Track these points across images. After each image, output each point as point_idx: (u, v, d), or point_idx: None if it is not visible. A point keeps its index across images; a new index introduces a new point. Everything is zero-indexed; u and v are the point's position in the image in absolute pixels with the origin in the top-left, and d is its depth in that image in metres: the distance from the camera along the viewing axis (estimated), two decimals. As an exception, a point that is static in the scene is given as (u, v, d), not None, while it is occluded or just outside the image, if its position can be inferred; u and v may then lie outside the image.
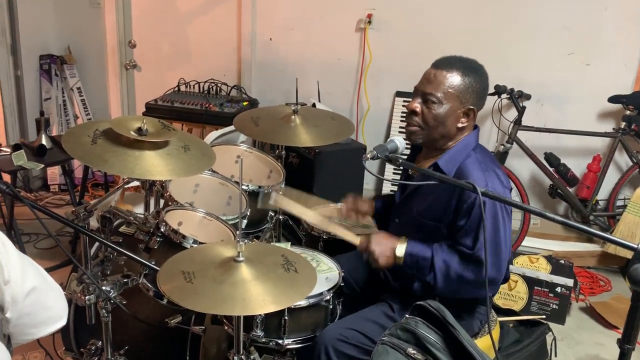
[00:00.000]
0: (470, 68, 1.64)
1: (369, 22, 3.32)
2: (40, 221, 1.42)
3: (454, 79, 1.62)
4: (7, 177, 2.77)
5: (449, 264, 1.60)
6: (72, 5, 3.94)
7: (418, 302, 1.44)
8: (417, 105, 1.67)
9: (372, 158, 1.46)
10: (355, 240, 1.74)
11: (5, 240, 0.97)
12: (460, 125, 1.66)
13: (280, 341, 1.66)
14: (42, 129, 2.86)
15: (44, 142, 2.79)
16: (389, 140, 1.52)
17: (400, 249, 1.66)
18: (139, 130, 1.52)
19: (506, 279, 1.76)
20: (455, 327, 1.35)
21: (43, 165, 2.78)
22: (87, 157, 1.51)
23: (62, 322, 1.11)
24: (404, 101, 3.39)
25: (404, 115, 3.34)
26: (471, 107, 1.65)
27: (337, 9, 3.41)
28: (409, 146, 1.82)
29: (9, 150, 2.77)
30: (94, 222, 1.76)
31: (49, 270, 3.01)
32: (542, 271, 2.72)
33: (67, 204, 3.72)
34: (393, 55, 3.37)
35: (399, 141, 1.54)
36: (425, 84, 1.65)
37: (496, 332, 1.95)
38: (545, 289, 2.69)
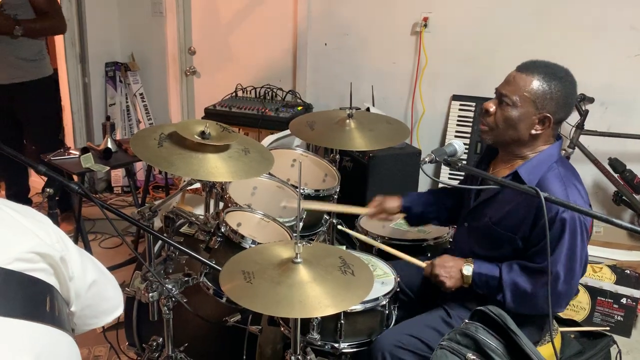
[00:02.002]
0: (553, 75, 1.58)
1: (425, 26, 3.29)
2: (110, 221, 1.49)
3: (533, 83, 1.57)
4: (75, 179, 2.92)
5: (517, 281, 1.58)
6: (136, 15, 4.12)
7: (478, 308, 1.42)
8: (491, 105, 1.64)
9: (431, 162, 1.45)
10: (420, 263, 1.75)
11: (65, 238, 1.02)
12: (534, 132, 1.61)
13: (335, 345, 1.67)
14: (107, 133, 3.00)
15: (109, 145, 2.91)
16: (447, 143, 1.51)
17: (468, 269, 1.65)
18: (202, 134, 1.57)
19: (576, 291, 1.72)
20: (517, 334, 1.32)
21: (108, 168, 2.89)
22: (155, 159, 1.57)
23: (120, 311, 1.16)
24: (461, 105, 3.33)
25: (461, 119, 3.32)
26: (548, 114, 1.58)
27: (392, 13, 3.40)
28: (467, 150, 1.80)
29: (77, 153, 2.91)
30: (157, 222, 1.83)
31: (112, 268, 3.17)
32: (606, 281, 2.61)
33: (129, 205, 3.88)
34: (449, 58, 3.33)
35: (458, 145, 1.53)
36: (503, 85, 1.63)
37: (557, 342, 1.89)
38: (610, 300, 2.58)
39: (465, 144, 1.57)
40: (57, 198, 1.55)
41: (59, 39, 3.82)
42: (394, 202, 2.02)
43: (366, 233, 2.22)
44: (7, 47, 3.06)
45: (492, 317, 1.35)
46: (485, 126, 1.66)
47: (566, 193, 1.54)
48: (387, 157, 2.95)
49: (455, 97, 3.36)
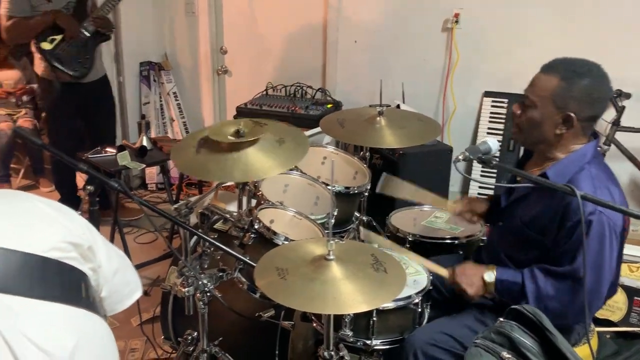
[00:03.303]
0: (573, 72, 1.54)
1: (456, 22, 3.27)
2: (148, 217, 1.54)
3: (550, 82, 1.55)
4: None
5: (540, 286, 1.56)
6: (169, 15, 4.20)
7: (513, 306, 1.41)
8: (517, 107, 1.64)
9: (464, 160, 1.45)
10: (442, 272, 1.75)
11: (91, 228, 1.09)
12: (558, 132, 1.58)
13: (368, 341, 1.69)
14: (142, 132, 3.07)
15: (144, 143, 2.99)
16: (481, 141, 1.50)
17: (490, 276, 1.64)
18: (237, 133, 1.60)
19: (613, 294, 1.67)
20: (553, 333, 1.31)
21: (144, 165, 2.97)
22: (193, 168, 1.63)
23: (139, 293, 1.23)
24: (493, 101, 3.29)
25: (493, 115, 3.28)
26: (570, 113, 1.54)
27: (423, 9, 3.38)
28: (500, 148, 1.79)
29: (114, 151, 2.99)
30: (192, 219, 1.88)
31: (148, 263, 3.24)
32: (644, 281, 2.55)
33: (163, 201, 3.96)
34: (481, 54, 3.29)
35: (492, 142, 1.51)
36: (527, 87, 1.62)
37: (594, 343, 1.86)
38: (647, 300, 2.51)
39: (498, 141, 1.55)
40: (97, 196, 1.61)
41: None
42: (482, 204, 1.99)
43: (397, 230, 2.22)
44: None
45: (527, 316, 1.34)
46: (515, 128, 1.67)
47: (595, 195, 1.50)
48: (417, 155, 2.94)
49: (487, 94, 3.32)
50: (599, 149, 2.87)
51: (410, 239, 2.15)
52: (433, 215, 2.36)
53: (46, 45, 3.11)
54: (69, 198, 3.53)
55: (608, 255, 1.50)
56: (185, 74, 4.31)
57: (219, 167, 1.59)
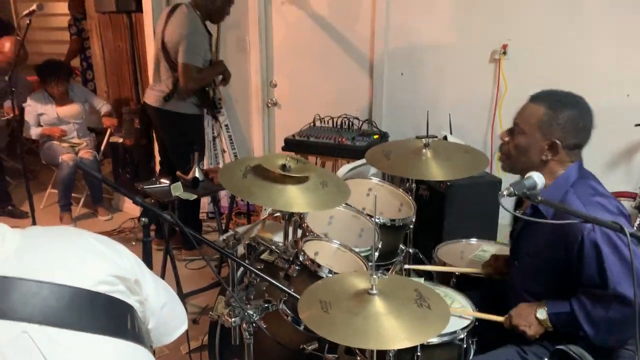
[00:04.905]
0: (560, 102, 1.64)
1: (504, 53, 3.25)
2: (198, 248, 1.59)
3: (538, 111, 1.65)
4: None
5: (590, 311, 1.53)
6: (222, 50, 4.36)
7: (558, 347, 1.38)
8: (505, 134, 1.75)
9: (509, 195, 1.43)
10: (497, 318, 1.73)
11: (140, 263, 1.15)
12: (544, 158, 1.65)
13: (412, 376, 1.67)
14: (195, 163, 3.19)
15: (197, 175, 3.09)
16: (527, 176, 1.48)
17: (542, 313, 1.63)
18: (283, 167, 1.66)
19: None
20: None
21: (196, 196, 3.07)
22: (238, 189, 1.69)
23: (185, 327, 1.28)
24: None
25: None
26: (555, 140, 1.62)
27: (469, 41, 3.39)
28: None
29: (167, 182, 3.11)
30: (240, 249, 1.93)
31: (197, 291, 3.30)
32: None
33: (213, 230, 4.06)
34: (530, 85, 3.18)
35: (538, 177, 1.49)
36: (516, 115, 1.72)
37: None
38: None
39: (545, 175, 1.55)
40: (152, 228, 1.68)
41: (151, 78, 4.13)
42: (506, 260, 2.00)
43: (443, 264, 2.20)
44: None
45: (573, 357, 1.30)
46: (503, 155, 1.76)
47: (587, 212, 1.50)
48: (465, 186, 2.91)
49: (537, 125, 3.27)
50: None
51: (457, 273, 2.13)
52: (480, 249, 2.33)
53: (210, 92, 3.58)
54: None
55: (633, 258, 1.44)
56: (237, 106, 4.46)
57: (263, 193, 1.65)
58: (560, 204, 1.55)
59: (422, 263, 2.49)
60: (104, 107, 4.62)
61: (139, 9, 4.25)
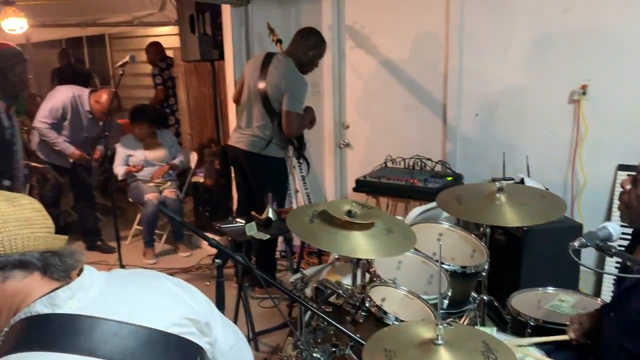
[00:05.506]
0: None
1: (584, 94, 3.14)
2: (267, 290, 1.65)
3: None
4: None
5: None
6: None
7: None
8: (627, 182, 1.57)
9: (581, 246, 1.38)
10: None
11: (212, 306, 1.21)
12: None
13: None
14: (269, 204, 3.29)
15: (270, 215, 3.19)
16: (601, 226, 1.42)
17: None
18: (349, 213, 1.69)
19: None
20: None
21: (269, 236, 3.16)
22: (304, 233, 1.74)
23: None
24: (628, 175, 3.06)
25: (629, 191, 3.04)
26: None
27: (547, 82, 3.31)
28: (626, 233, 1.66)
29: (242, 222, 3.23)
30: (308, 291, 1.96)
31: (268, 331, 3.34)
32: None
33: (285, 269, 4.14)
34: (612, 126, 3.11)
35: (613, 228, 1.42)
36: None
37: None
38: None
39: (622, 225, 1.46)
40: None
41: (231, 121, 4.35)
42: (587, 321, 1.84)
43: (518, 314, 2.11)
44: None
45: None
46: (622, 205, 1.57)
47: None
48: (543, 231, 2.79)
49: (622, 167, 3.11)
50: None
51: (532, 323, 2.04)
52: (558, 299, 2.22)
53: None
54: None
55: None
56: (310, 148, 4.57)
57: (328, 238, 1.68)
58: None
59: (498, 311, 2.41)
60: (177, 159, 4.90)
61: (221, 57, 4.55)
